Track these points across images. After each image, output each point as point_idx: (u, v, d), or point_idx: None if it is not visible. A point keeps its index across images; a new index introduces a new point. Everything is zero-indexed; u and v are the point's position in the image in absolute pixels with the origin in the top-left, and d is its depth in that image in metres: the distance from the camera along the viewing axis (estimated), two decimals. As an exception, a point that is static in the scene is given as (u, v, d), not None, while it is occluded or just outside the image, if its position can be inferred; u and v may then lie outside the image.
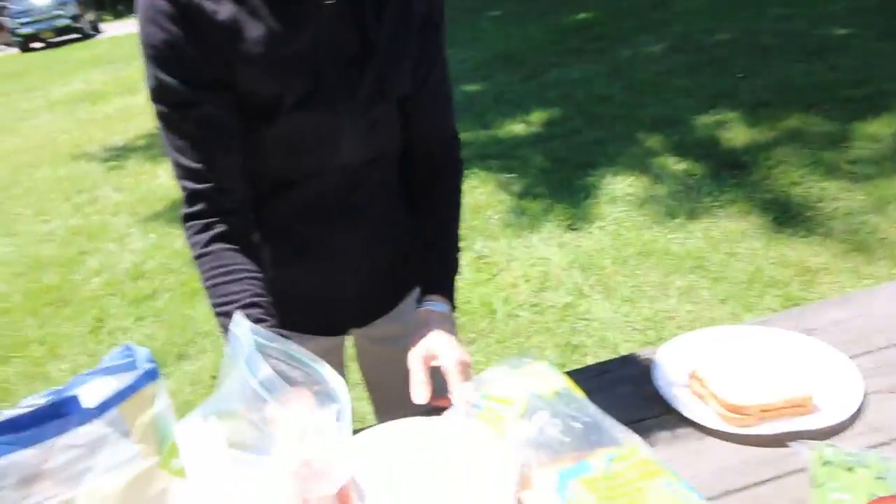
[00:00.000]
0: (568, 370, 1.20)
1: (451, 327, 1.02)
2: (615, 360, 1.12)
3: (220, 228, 0.94)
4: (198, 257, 0.95)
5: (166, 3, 0.86)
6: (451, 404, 0.91)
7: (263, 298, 0.93)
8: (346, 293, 1.13)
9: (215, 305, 0.93)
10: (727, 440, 0.90)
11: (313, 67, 0.93)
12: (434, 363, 0.96)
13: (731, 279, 2.73)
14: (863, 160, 3.43)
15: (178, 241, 3.99)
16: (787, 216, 3.10)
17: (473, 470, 0.79)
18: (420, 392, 0.93)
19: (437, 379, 0.95)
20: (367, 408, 1.40)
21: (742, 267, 2.79)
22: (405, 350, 1.22)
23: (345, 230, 1.07)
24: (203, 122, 0.92)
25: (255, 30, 0.89)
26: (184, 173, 0.94)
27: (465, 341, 2.63)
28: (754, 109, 4.25)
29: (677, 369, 1.04)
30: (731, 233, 3.04)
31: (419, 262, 1.09)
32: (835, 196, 3.18)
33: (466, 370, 0.94)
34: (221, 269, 0.93)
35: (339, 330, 1.19)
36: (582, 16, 8.03)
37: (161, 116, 0.93)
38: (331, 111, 0.96)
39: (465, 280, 3.05)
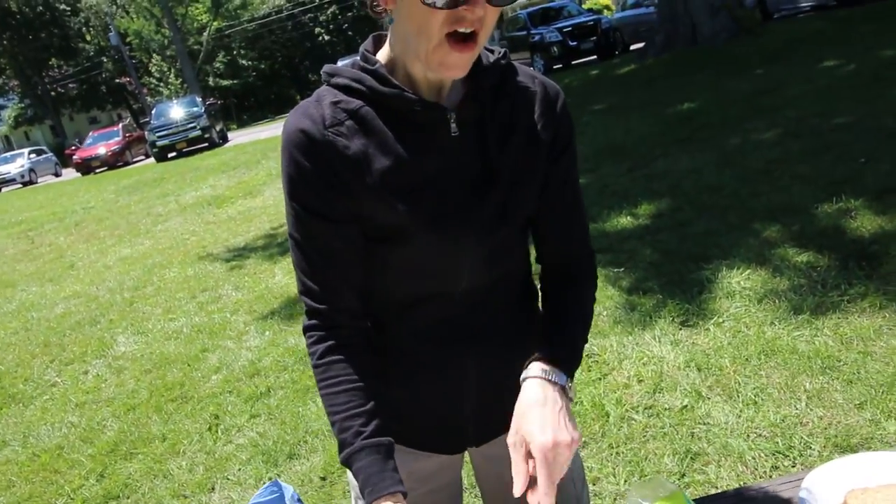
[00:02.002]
0: (699, 496, 1.12)
1: (555, 405, 0.95)
2: (755, 486, 1.04)
3: (332, 341, 1.00)
4: (314, 367, 1.01)
5: (304, 136, 0.94)
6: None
7: (364, 408, 0.98)
8: (464, 413, 1.12)
9: (327, 414, 0.99)
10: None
11: (437, 195, 0.97)
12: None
13: (868, 381, 2.50)
14: None
15: (291, 338, 4.14)
16: (928, 311, 2.84)
17: None
18: (517, 483, 0.90)
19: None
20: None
21: (879, 367, 2.55)
22: None
23: (465, 352, 1.08)
24: (325, 252, 0.98)
25: (382, 161, 0.95)
26: (305, 290, 1.02)
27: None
28: (881, 196, 4.00)
29: (825, 500, 0.95)
30: (864, 330, 2.81)
31: (539, 343, 1.04)
32: (983, 288, 2.90)
33: (555, 456, 0.90)
34: (331, 381, 0.99)
35: (457, 448, 1.17)
36: (686, 106, 7.98)
37: (291, 236, 1.00)
38: (453, 237, 0.99)
39: (575, 380, 2.96)
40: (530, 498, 0.89)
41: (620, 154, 6.59)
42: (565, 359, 1.01)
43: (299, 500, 0.83)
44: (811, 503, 0.93)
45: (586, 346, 2.77)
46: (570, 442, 0.91)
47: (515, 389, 1.14)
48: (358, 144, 0.94)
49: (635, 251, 4.19)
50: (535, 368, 0.98)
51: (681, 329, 3.18)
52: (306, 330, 1.02)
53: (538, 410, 0.93)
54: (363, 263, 1.01)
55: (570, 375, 1.00)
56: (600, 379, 2.95)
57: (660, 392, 2.75)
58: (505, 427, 1.15)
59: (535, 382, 0.97)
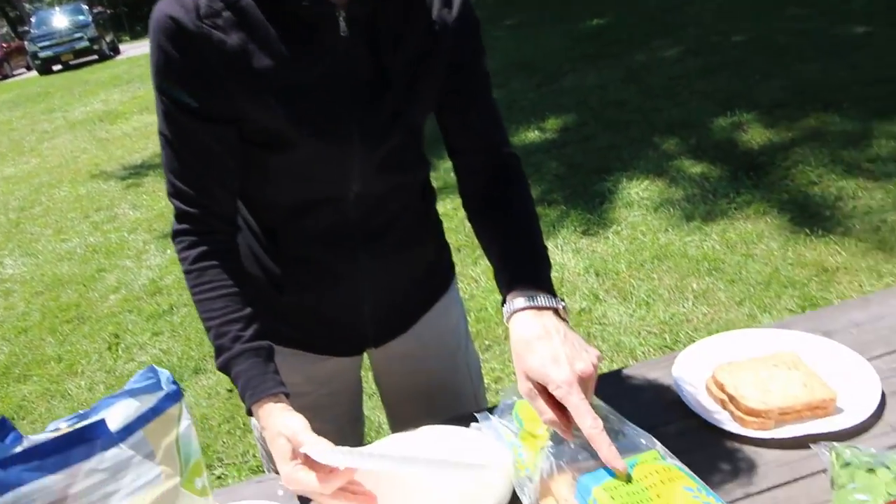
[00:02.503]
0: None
1: (557, 332, 0.81)
2: (634, 366, 1.11)
3: (205, 247, 0.94)
4: (186, 273, 0.96)
5: (173, 24, 0.85)
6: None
7: (242, 313, 0.93)
8: (364, 316, 1.11)
9: (202, 320, 0.94)
10: (747, 444, 0.88)
11: (325, 98, 0.91)
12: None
13: (748, 280, 2.69)
14: (882, 158, 3.37)
15: (195, 255, 4.02)
16: (804, 216, 3.05)
17: (472, 470, 0.82)
18: (565, 434, 0.78)
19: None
20: (382, 418, 1.40)
21: (759, 268, 2.75)
22: (421, 367, 1.21)
23: (363, 256, 1.05)
24: (198, 152, 0.92)
25: (263, 60, 0.87)
26: (175, 192, 0.94)
27: (481, 348, 2.62)
28: (771, 110, 4.21)
29: (697, 374, 1.03)
30: (748, 234, 3.00)
31: (506, 267, 0.94)
32: (853, 195, 3.13)
33: (583, 385, 0.77)
34: (206, 286, 0.94)
35: (356, 350, 1.18)
36: (596, 22, 8.02)
37: (160, 133, 0.93)
38: (339, 144, 0.94)
39: (481, 287, 3.04)
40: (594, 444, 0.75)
41: (530, 70, 6.60)
42: (543, 276, 0.91)
43: (175, 382, 0.82)
44: (683, 379, 1.01)
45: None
46: (591, 368, 0.79)
47: (414, 289, 1.14)
48: (236, 39, 0.86)
49: (542, 164, 4.27)
50: (518, 299, 0.86)
51: (582, 238, 3.30)
52: (176, 235, 0.96)
53: (542, 345, 0.80)
54: (245, 167, 0.96)
55: (555, 293, 0.89)
56: (505, 287, 3.03)
57: (561, 297, 2.86)
58: (404, 326, 1.17)
59: (526, 315, 0.84)
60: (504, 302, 0.89)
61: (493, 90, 1.05)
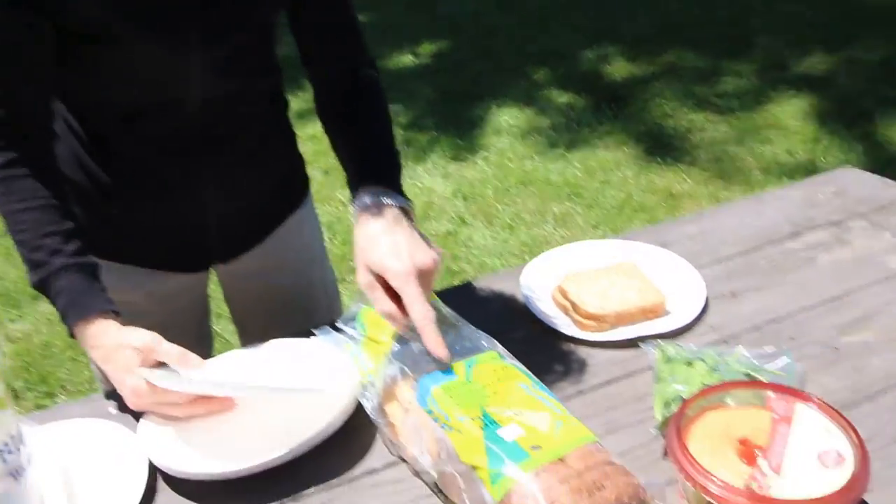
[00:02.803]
0: (440, 290, 1.21)
1: (401, 228, 0.82)
2: (485, 277, 1.14)
3: (14, 154, 0.84)
4: None
5: None
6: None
7: (61, 227, 0.84)
8: (208, 229, 1.05)
9: (11, 234, 0.85)
10: (584, 346, 0.94)
11: None
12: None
13: (604, 205, 2.84)
14: (728, 94, 3.62)
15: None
16: (657, 146, 3.24)
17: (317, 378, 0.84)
18: (399, 325, 0.79)
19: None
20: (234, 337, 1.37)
21: (614, 194, 2.91)
22: (273, 283, 1.17)
23: (205, 165, 0.98)
24: (5, 45, 0.81)
25: None
26: None
27: (348, 271, 2.62)
28: (635, 45, 4.37)
29: (544, 284, 1.08)
30: (606, 162, 3.15)
31: (356, 169, 0.92)
32: (701, 127, 3.35)
33: (422, 279, 0.78)
34: (14, 198, 0.84)
35: (201, 266, 1.12)
36: (471, -55, 7.87)
37: None
38: (171, 42, 0.86)
39: (350, 211, 3.01)
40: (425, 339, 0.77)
41: (404, -10, 6.41)
42: (392, 175, 0.91)
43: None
44: (530, 288, 1.06)
45: None
46: (431, 262, 0.79)
47: (262, 202, 1.09)
48: None
49: (415, 90, 4.21)
50: (365, 197, 0.85)
51: (451, 163, 3.32)
52: None
53: (385, 239, 0.80)
54: (65, 64, 0.86)
55: (403, 193, 0.88)
56: (374, 210, 3.02)
57: (428, 220, 2.90)
58: (253, 241, 1.12)
59: (372, 212, 0.83)
60: (353, 201, 0.88)
61: (364, 11, 0.99)
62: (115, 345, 0.81)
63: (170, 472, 0.78)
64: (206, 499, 0.77)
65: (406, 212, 0.86)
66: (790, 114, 3.42)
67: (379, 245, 0.79)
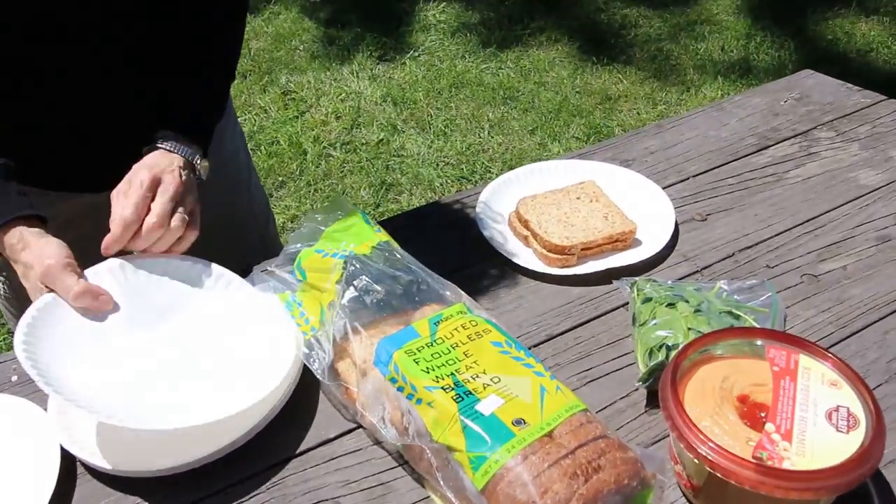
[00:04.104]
0: (385, 218, 1.10)
1: (175, 167, 0.80)
2: (434, 203, 1.04)
3: None
4: None
5: None
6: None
7: None
8: (112, 143, 0.90)
9: None
10: (550, 282, 0.86)
11: None
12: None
13: (540, 109, 2.73)
14: (662, -13, 3.49)
15: None
16: (592, 44, 3.11)
17: None
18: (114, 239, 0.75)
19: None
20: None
21: (550, 97, 2.79)
22: None
23: (88, 74, 0.85)
24: None
25: None
26: None
27: (275, 185, 2.45)
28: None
29: (500, 210, 0.98)
30: (541, 62, 3.01)
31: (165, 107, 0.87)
32: (635, 23, 3.23)
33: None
34: None
35: (106, 185, 0.97)
36: None
37: None
38: None
39: (271, 119, 2.79)
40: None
41: None
42: (195, 129, 0.86)
43: None
44: (486, 215, 0.96)
45: (283, 81, 2.43)
46: (175, 180, 0.77)
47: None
48: None
49: (332, -19, 3.89)
50: (157, 139, 0.82)
51: (378, 63, 3.11)
52: None
53: (151, 160, 0.79)
54: None
55: (202, 149, 0.84)
56: (297, 117, 2.81)
57: (357, 128, 2.72)
58: None
59: (154, 153, 0.81)
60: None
61: None
62: (26, 263, 0.72)
63: (88, 465, 0.67)
64: (135, 487, 0.66)
65: (193, 166, 0.83)
66: (723, 8, 3.33)
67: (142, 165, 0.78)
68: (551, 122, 2.65)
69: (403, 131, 2.68)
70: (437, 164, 2.49)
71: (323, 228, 0.79)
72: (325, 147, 2.63)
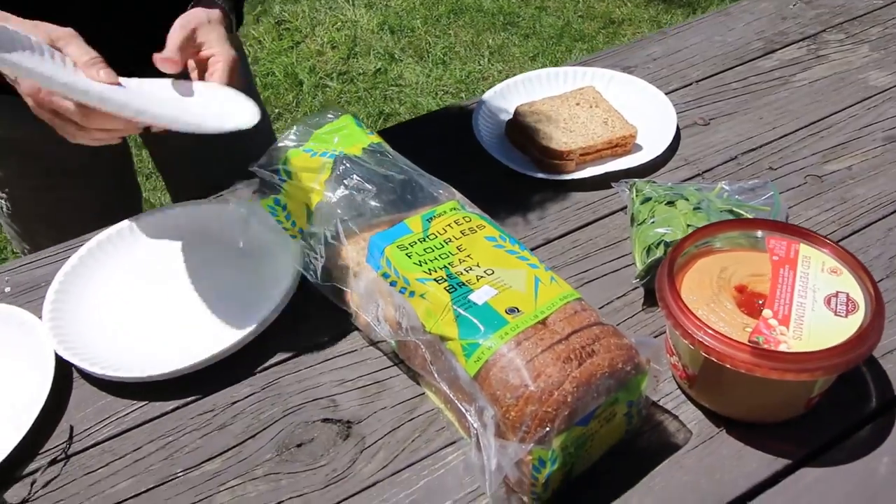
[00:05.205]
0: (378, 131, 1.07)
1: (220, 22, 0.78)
2: (431, 114, 1.01)
3: None
4: None
5: None
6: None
7: None
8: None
9: None
10: (549, 188, 0.84)
11: None
12: (204, 52, 0.75)
13: (541, 34, 2.65)
14: None
15: None
16: (596, -34, 3.00)
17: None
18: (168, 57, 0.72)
19: None
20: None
21: (552, 21, 2.71)
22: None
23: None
24: None
25: None
26: None
27: (272, 117, 2.40)
28: None
29: (498, 119, 0.95)
30: (542, -15, 2.92)
31: None
32: (641, -56, 3.11)
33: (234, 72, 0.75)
34: None
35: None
36: None
37: None
38: None
39: (266, 50, 2.72)
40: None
41: None
42: None
43: None
44: (483, 124, 0.94)
45: (277, 11, 2.35)
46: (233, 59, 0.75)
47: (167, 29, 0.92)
48: None
49: None
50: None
51: (374, -9, 3.01)
52: None
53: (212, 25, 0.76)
54: None
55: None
56: (293, 47, 2.74)
57: (354, 57, 2.66)
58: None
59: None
60: None
61: None
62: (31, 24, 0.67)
63: (81, 370, 0.67)
64: (128, 390, 0.66)
65: (228, 17, 0.81)
66: (733, -73, 3.20)
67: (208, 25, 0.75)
68: (553, 48, 2.58)
69: (401, 60, 2.61)
70: (436, 94, 2.44)
71: (314, 131, 0.77)
72: (321, 78, 2.58)
